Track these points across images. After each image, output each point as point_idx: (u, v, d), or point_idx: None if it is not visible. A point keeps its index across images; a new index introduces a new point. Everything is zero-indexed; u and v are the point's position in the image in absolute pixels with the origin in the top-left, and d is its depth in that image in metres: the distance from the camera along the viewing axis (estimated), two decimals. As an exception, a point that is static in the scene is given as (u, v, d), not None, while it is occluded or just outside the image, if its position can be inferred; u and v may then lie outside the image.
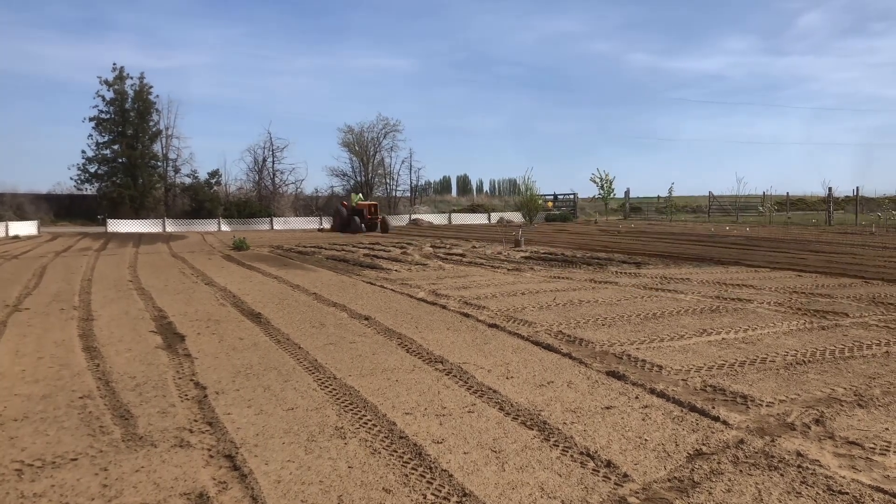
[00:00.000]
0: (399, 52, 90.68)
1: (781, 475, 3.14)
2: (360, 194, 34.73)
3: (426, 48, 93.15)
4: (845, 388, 4.52)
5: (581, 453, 3.46)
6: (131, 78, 41.68)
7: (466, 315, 7.56)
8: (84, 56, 77.47)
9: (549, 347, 5.90)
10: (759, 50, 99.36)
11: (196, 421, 4.10)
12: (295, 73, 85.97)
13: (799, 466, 3.23)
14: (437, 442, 3.65)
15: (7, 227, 30.17)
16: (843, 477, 3.10)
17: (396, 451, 3.52)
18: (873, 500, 2.88)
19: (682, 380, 4.79)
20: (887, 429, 3.74)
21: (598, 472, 3.23)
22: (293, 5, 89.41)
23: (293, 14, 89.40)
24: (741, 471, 3.20)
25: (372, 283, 10.71)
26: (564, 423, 3.94)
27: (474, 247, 18.47)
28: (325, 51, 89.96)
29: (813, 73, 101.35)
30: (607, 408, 4.22)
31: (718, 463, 3.30)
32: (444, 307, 8.17)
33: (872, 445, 3.49)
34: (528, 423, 3.94)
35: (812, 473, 3.15)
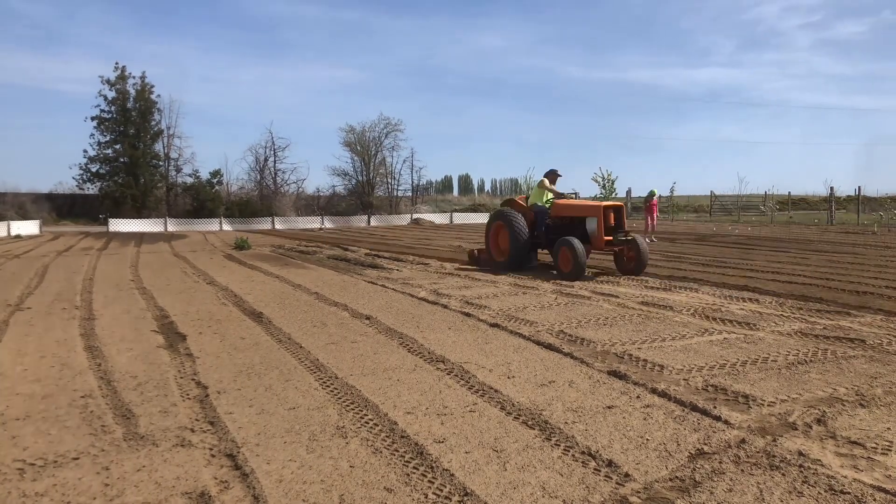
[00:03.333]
0: (342, 64, 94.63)
1: (783, 475, 3.14)
2: (549, 178, 12.29)
3: (370, 61, 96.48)
4: (847, 388, 4.51)
5: (582, 453, 3.46)
6: (133, 77, 41.80)
7: (468, 315, 7.56)
8: (44, 68, 78.01)
9: (550, 347, 5.90)
10: (673, 63, 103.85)
11: (197, 420, 4.10)
12: (251, 83, 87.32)
13: (800, 466, 3.23)
14: (439, 441, 3.65)
15: (9, 226, 30.22)
16: (845, 477, 3.10)
17: (398, 451, 3.52)
18: (875, 499, 2.87)
19: (684, 379, 4.78)
20: (889, 428, 3.73)
21: (600, 471, 3.23)
22: (228, 23, 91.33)
23: (230, 31, 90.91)
24: (743, 470, 3.20)
25: (373, 283, 10.71)
26: (566, 422, 3.94)
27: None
28: (274, 62, 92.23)
29: (742, 82, 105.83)
30: (609, 407, 4.22)
31: (720, 462, 3.30)
32: (445, 307, 8.17)
33: (874, 445, 3.48)
34: (530, 423, 3.94)
35: (814, 473, 3.14)
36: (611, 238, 10.86)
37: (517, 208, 12.34)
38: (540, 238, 11.91)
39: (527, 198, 12.78)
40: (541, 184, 12.35)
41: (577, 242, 10.36)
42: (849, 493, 2.93)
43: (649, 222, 21.88)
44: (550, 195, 12.19)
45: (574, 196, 12.20)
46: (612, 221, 10.98)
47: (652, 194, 22.04)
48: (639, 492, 3.00)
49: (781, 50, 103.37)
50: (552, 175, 12.32)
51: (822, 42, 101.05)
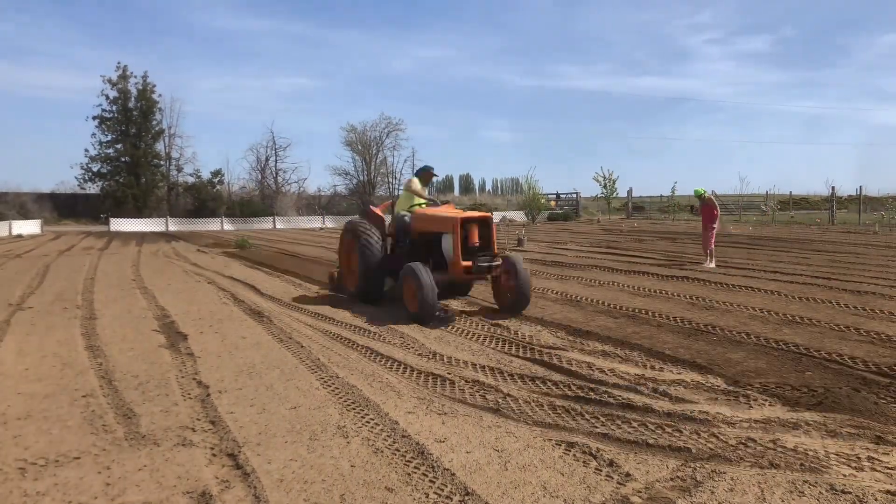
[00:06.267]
0: (292, 73, 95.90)
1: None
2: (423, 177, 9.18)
3: (320, 70, 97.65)
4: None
5: (584, 452, 3.45)
6: (135, 77, 41.82)
7: (470, 314, 7.55)
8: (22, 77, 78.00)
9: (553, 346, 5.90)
10: (611, 72, 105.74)
11: (199, 420, 4.10)
12: (207, 91, 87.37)
13: (802, 466, 3.21)
14: (440, 441, 3.65)
15: (10, 226, 30.24)
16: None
17: (399, 450, 3.52)
18: (876, 500, 2.87)
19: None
20: None
21: (601, 471, 3.23)
22: (184, 36, 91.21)
23: (186, 43, 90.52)
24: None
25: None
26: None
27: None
28: (228, 72, 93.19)
29: (691, 88, 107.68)
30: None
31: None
32: (446, 307, 8.16)
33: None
34: (530, 423, 3.94)
35: (815, 473, 3.13)
36: (470, 263, 7.61)
37: (374, 220, 8.97)
38: (396, 260, 8.49)
39: (393, 203, 9.22)
40: (408, 185, 9.10)
41: (422, 270, 7.26)
42: (850, 492, 2.93)
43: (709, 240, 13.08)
44: (421, 201, 8.95)
45: (439, 203, 9.04)
46: (476, 239, 7.70)
47: (699, 194, 13.45)
48: (640, 491, 3.00)
49: (703, 61, 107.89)
50: (425, 175, 9.17)
51: (731, 54, 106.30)
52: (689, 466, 3.26)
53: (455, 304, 8.34)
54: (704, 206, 13.34)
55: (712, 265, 12.33)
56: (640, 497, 2.94)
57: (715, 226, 13.00)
